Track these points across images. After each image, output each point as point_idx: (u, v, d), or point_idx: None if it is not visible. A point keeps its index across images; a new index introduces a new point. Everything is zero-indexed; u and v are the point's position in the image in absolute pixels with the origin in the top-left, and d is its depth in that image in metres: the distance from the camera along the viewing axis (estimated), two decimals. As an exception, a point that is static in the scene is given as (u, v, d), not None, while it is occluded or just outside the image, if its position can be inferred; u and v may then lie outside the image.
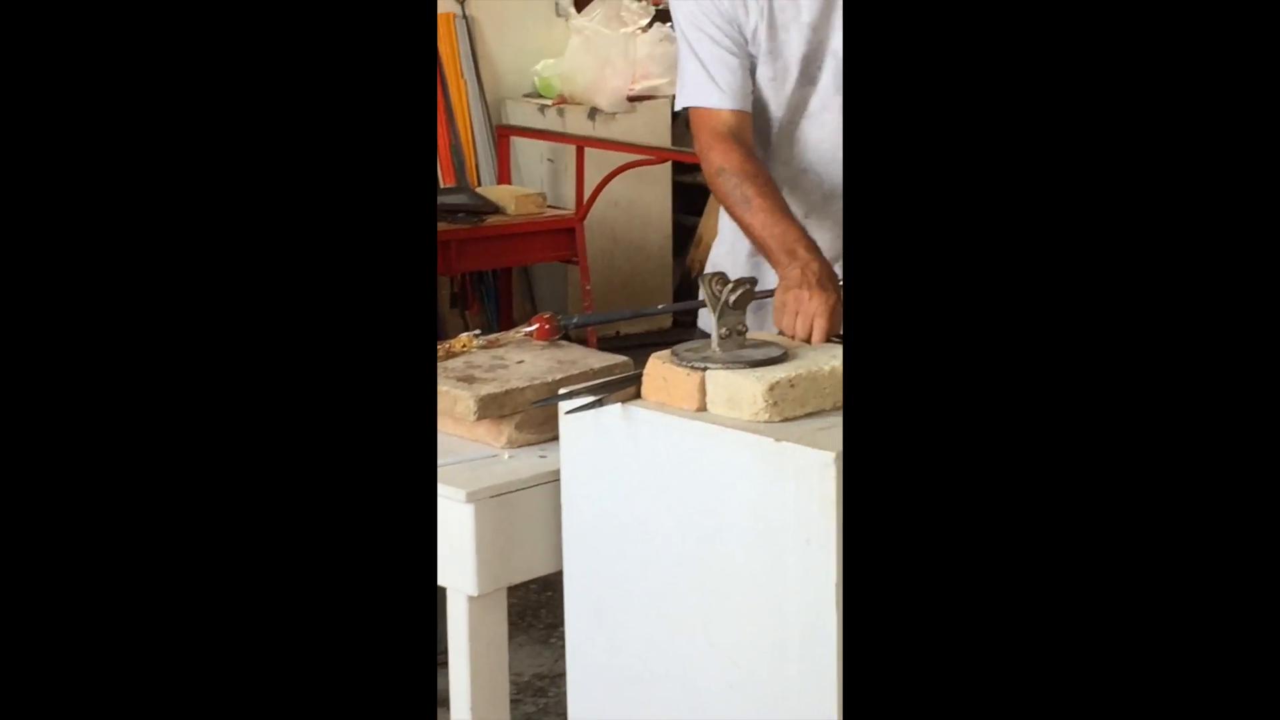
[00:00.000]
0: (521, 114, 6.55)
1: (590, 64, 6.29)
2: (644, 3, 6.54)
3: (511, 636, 2.11)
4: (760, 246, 2.31)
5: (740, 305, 1.95)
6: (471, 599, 1.96)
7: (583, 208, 5.95)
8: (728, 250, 2.51)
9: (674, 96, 2.56)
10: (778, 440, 1.75)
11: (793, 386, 1.83)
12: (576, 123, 6.35)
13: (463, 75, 6.39)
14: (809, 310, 2.12)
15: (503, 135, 6.45)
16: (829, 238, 2.41)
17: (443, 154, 6.20)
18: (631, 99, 6.36)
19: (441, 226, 5.19)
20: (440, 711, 1.80)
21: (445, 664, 2.00)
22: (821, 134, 2.39)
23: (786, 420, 1.81)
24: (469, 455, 2.03)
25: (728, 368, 1.86)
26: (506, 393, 2.07)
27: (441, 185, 5.99)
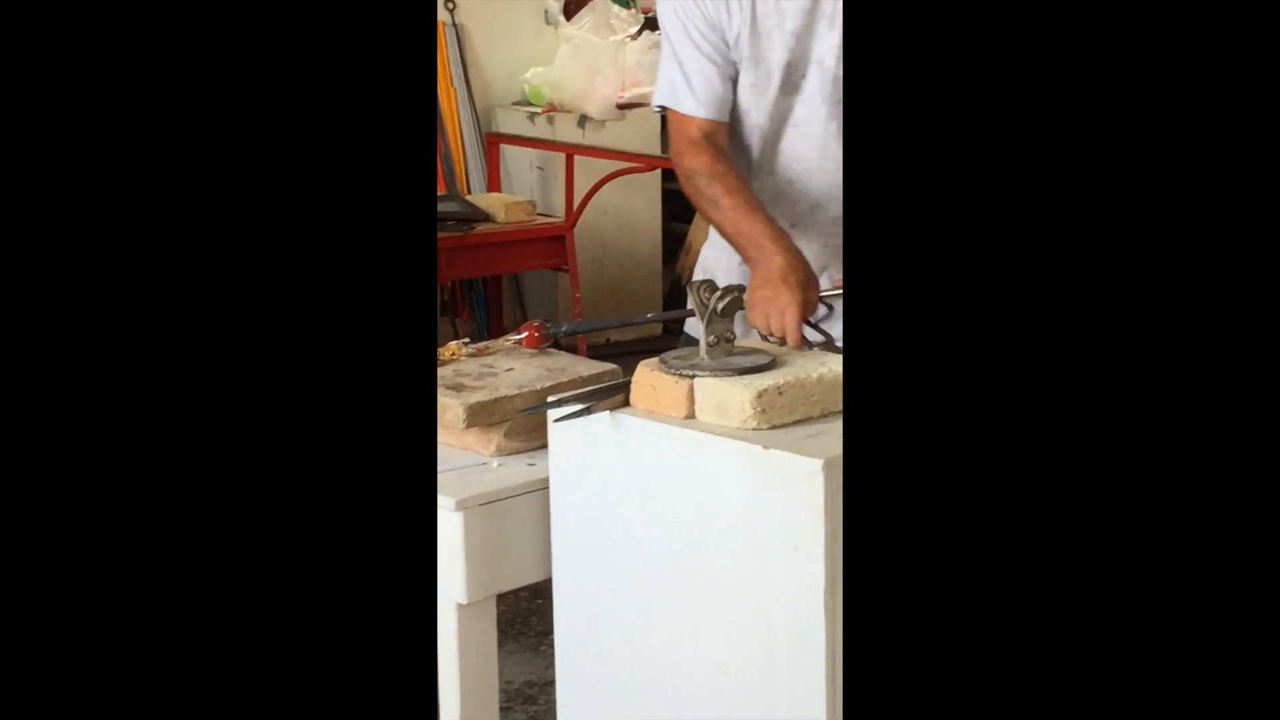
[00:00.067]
0: (511, 122, 6.56)
1: (579, 72, 6.30)
2: (633, 10, 6.56)
3: (502, 644, 2.11)
4: (732, 245, 2.32)
5: (728, 313, 1.95)
6: (461, 607, 1.96)
7: (572, 215, 5.96)
8: (718, 255, 2.51)
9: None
10: (766, 447, 1.75)
11: (781, 394, 1.83)
12: (566, 130, 6.36)
13: (452, 83, 6.39)
14: (778, 306, 2.14)
15: (492, 143, 6.46)
16: (816, 247, 2.42)
17: (432, 162, 6.22)
18: (621, 106, 6.37)
19: (431, 234, 5.19)
20: (430, 719, 1.80)
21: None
22: (807, 145, 2.40)
23: (775, 427, 1.81)
24: (458, 463, 2.03)
25: (716, 375, 1.86)
26: (495, 401, 2.07)
27: (432, 193, 5.99)
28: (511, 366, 2.22)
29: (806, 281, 2.19)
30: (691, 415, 1.85)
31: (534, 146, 6.40)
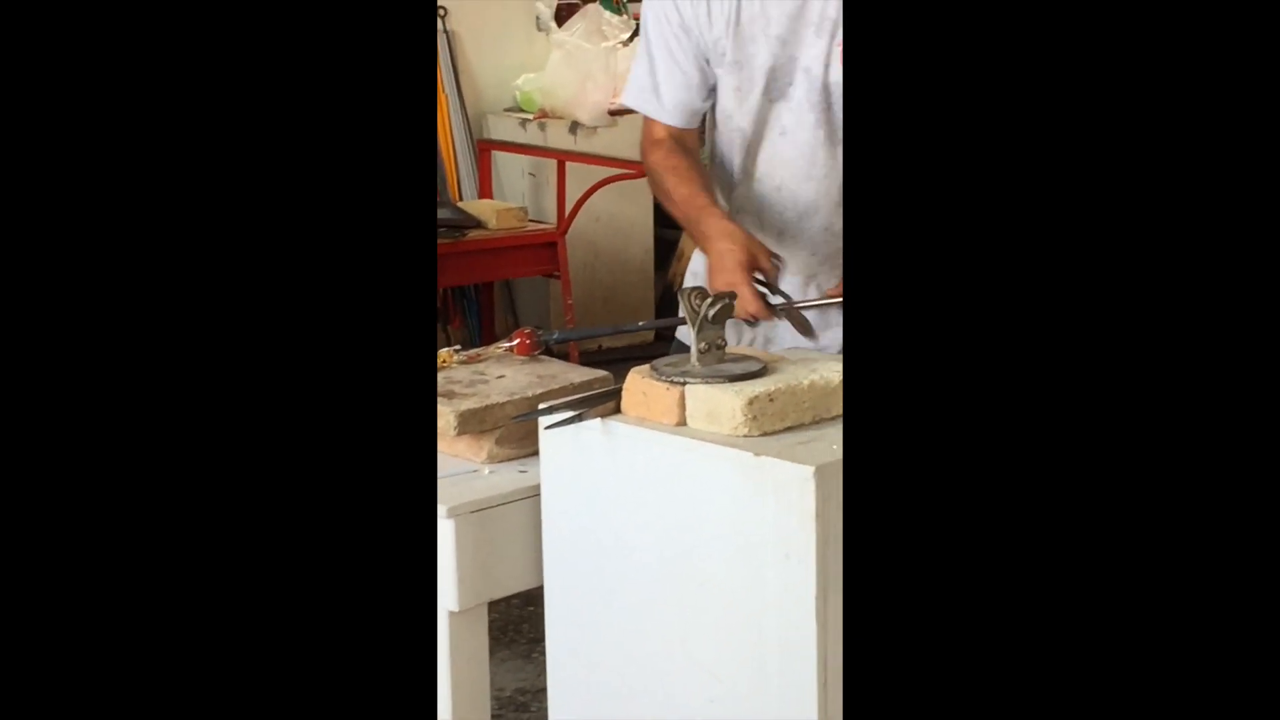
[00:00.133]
0: (502, 128, 6.56)
1: (571, 78, 6.30)
2: (624, 17, 6.56)
3: (494, 651, 2.11)
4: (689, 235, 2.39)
5: (719, 320, 1.95)
6: (452, 614, 1.96)
7: (564, 222, 5.96)
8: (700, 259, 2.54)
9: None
10: (757, 454, 1.75)
11: (772, 400, 1.83)
12: (558, 137, 6.36)
13: (444, 89, 6.40)
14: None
15: (484, 149, 6.46)
16: (804, 255, 2.42)
17: (424, 168, 6.21)
18: (613, 113, 6.37)
19: (423, 241, 5.19)
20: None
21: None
22: (795, 152, 2.39)
23: (766, 434, 1.81)
24: (449, 470, 2.03)
25: (707, 382, 1.86)
26: (486, 408, 2.07)
27: (424, 199, 5.99)
28: (502, 374, 2.22)
29: (746, 260, 2.23)
30: (683, 422, 1.85)
31: (525, 153, 6.41)
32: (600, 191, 5.97)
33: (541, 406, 1.98)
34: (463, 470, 2.05)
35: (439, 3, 6.35)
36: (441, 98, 6.38)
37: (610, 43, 6.40)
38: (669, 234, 6.48)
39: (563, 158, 6.09)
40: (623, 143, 6.34)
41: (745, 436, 1.80)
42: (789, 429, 1.83)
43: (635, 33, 6.40)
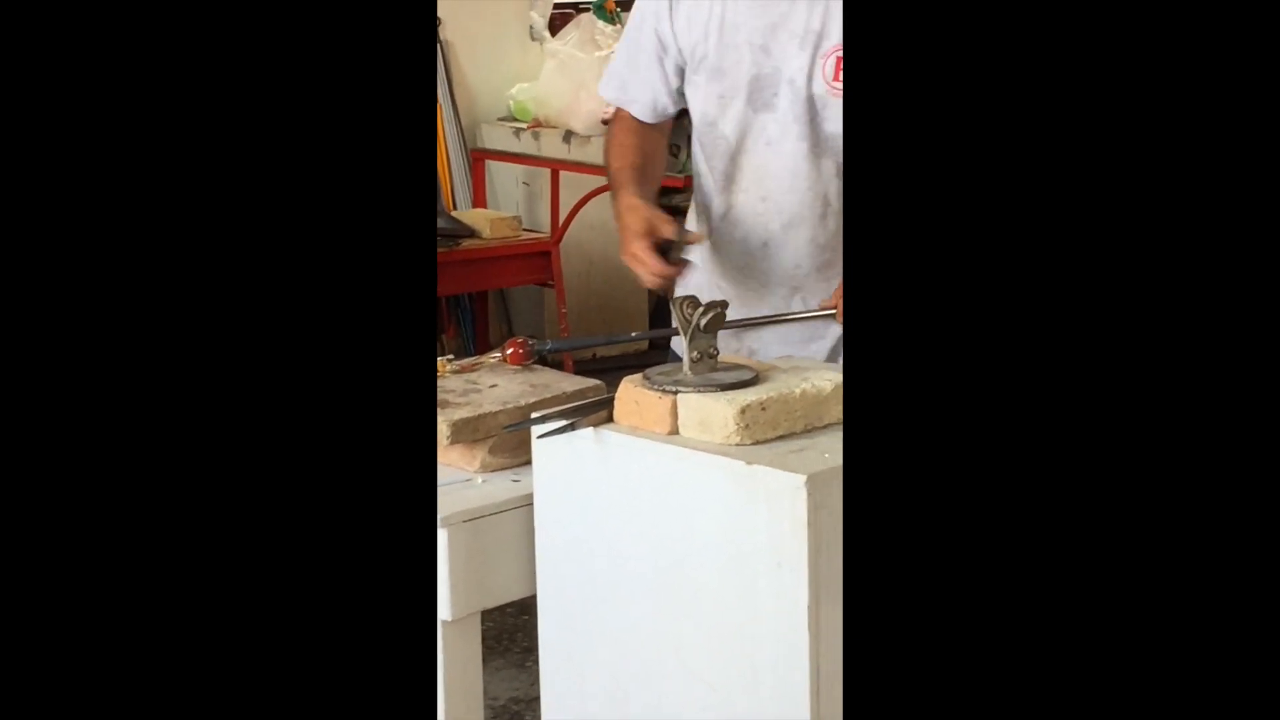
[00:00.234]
0: (496, 137, 6.56)
1: (565, 87, 6.30)
2: (618, 26, 6.56)
3: (488, 660, 2.11)
4: None
5: (711, 329, 1.95)
6: (446, 623, 1.96)
7: (558, 231, 5.96)
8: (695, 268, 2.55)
9: None
10: (749, 463, 1.75)
11: (764, 409, 1.83)
12: (551, 146, 6.36)
13: (437, 99, 6.40)
14: (634, 266, 2.29)
15: (478, 159, 6.46)
16: (789, 265, 2.42)
17: (418, 178, 6.21)
18: (606, 122, 6.35)
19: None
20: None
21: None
22: (780, 164, 2.40)
23: (758, 443, 1.81)
24: (442, 480, 2.02)
25: (699, 391, 1.86)
26: (479, 417, 2.07)
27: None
28: (495, 383, 2.22)
29: (644, 229, 2.29)
30: (675, 431, 1.86)
31: (519, 162, 6.41)
32: (594, 200, 5.97)
33: (534, 415, 1.99)
34: (456, 479, 2.05)
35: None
36: (435, 107, 6.38)
37: (604, 52, 6.39)
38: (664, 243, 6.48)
39: (557, 167, 6.09)
40: (616, 151, 6.34)
41: (737, 445, 1.80)
42: (781, 437, 1.84)
43: (628, 41, 6.43)
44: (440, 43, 6.42)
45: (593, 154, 6.28)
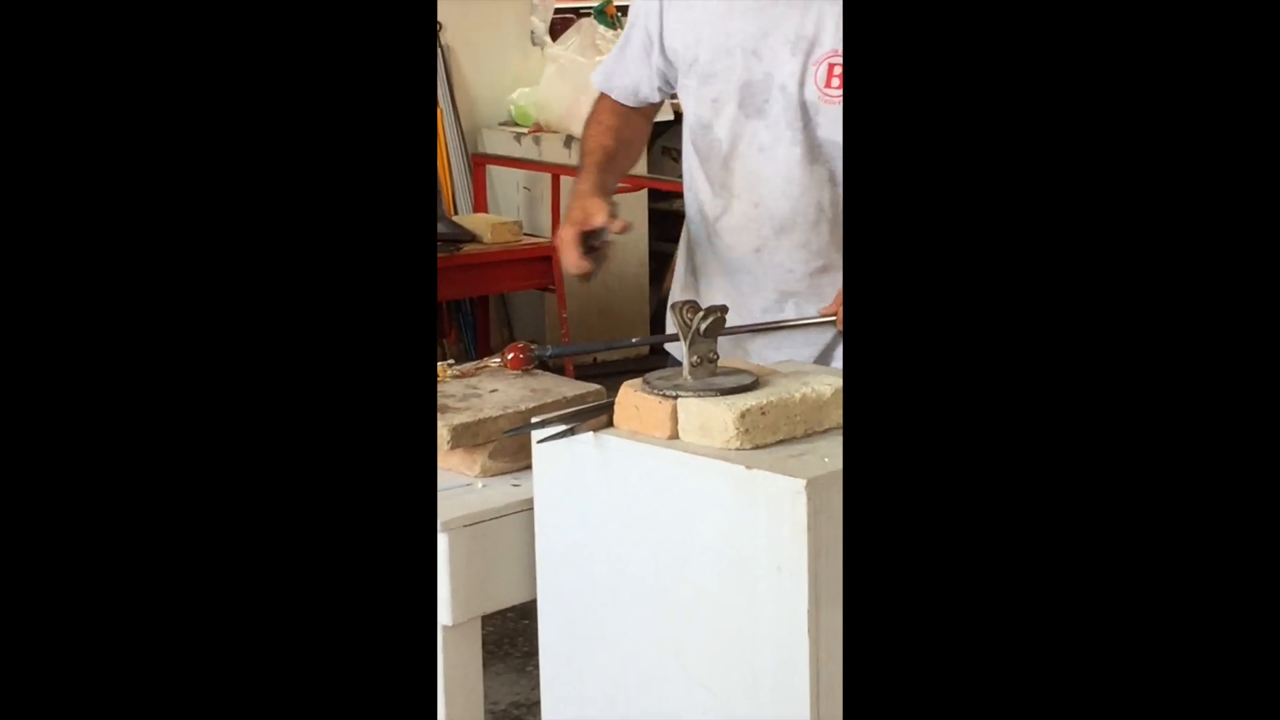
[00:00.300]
0: (497, 142, 6.57)
1: (565, 92, 6.31)
2: (618, 31, 6.57)
3: (488, 664, 2.11)
4: None
5: (711, 333, 1.95)
6: (446, 628, 1.96)
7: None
8: (678, 276, 2.60)
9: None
10: (749, 467, 1.75)
11: (764, 414, 1.83)
12: (552, 150, 6.37)
13: (438, 104, 6.40)
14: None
15: (478, 164, 6.46)
16: (781, 270, 2.42)
17: (419, 182, 6.21)
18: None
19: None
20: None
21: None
22: (772, 169, 2.39)
23: (758, 447, 1.82)
24: (443, 484, 2.03)
25: (699, 395, 1.86)
26: (480, 422, 2.07)
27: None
28: (495, 388, 2.22)
29: (579, 218, 2.35)
30: (675, 435, 1.86)
31: (520, 167, 6.41)
32: (595, 205, 5.96)
33: (534, 420, 1.99)
34: (456, 484, 2.05)
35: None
36: (436, 112, 6.38)
37: (604, 56, 6.40)
38: (664, 247, 6.48)
39: (557, 172, 6.09)
40: (617, 157, 6.34)
41: (737, 450, 1.80)
42: (781, 442, 1.84)
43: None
44: (441, 47, 6.43)
45: (593, 159, 6.28)
